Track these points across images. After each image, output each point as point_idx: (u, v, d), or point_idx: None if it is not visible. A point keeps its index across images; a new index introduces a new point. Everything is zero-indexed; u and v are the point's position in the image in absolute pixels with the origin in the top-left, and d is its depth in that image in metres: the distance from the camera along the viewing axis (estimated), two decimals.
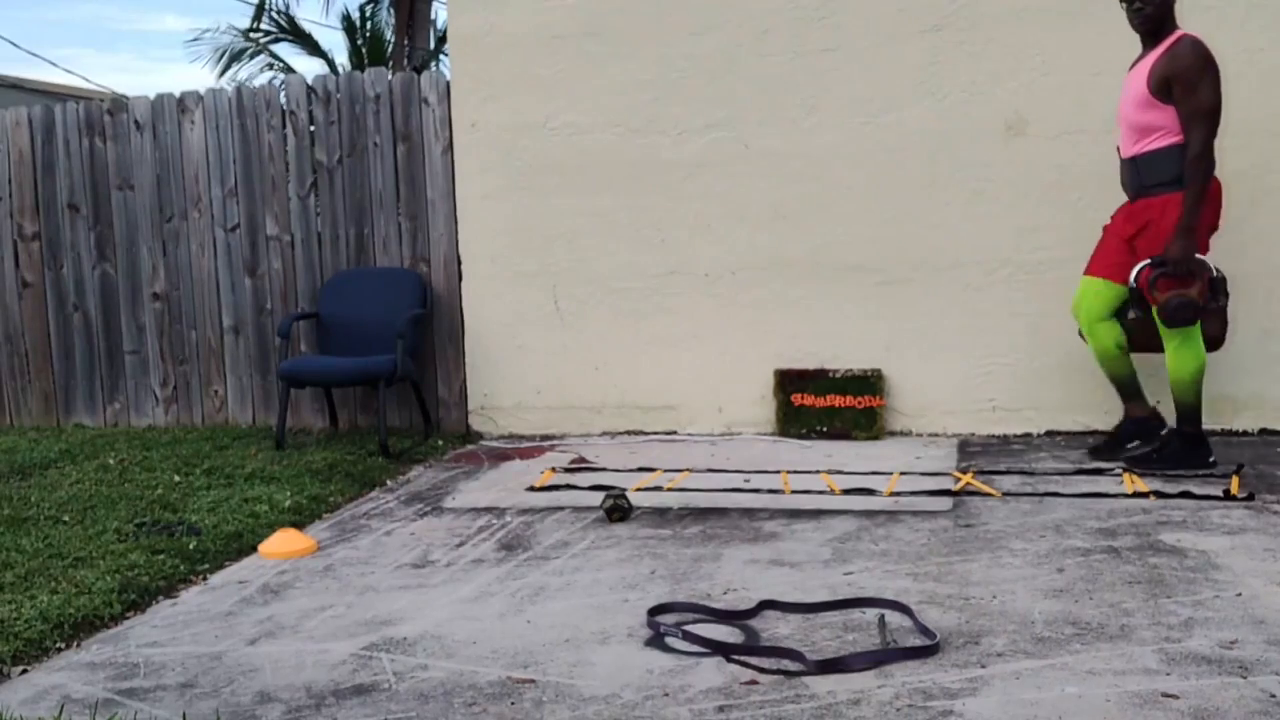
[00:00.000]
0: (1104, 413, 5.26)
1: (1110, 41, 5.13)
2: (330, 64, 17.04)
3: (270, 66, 17.10)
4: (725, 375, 5.64)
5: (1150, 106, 4.21)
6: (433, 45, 16.63)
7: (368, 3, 17.15)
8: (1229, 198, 5.08)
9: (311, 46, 17.39)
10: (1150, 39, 4.33)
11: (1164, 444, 4.46)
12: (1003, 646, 2.74)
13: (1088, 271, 4.56)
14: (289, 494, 4.55)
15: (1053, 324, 5.23)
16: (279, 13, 16.99)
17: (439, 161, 5.88)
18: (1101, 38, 5.13)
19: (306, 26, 17.73)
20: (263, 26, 16.96)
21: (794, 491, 4.36)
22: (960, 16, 5.25)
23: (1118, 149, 4.49)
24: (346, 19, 17.92)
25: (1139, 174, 4.31)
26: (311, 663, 2.85)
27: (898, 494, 4.27)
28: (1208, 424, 5.17)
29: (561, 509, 4.29)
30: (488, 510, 4.35)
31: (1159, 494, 4.09)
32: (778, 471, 4.73)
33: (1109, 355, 4.53)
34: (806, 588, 3.24)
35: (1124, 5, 4.34)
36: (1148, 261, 4.22)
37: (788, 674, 2.62)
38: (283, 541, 3.91)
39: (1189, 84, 4.11)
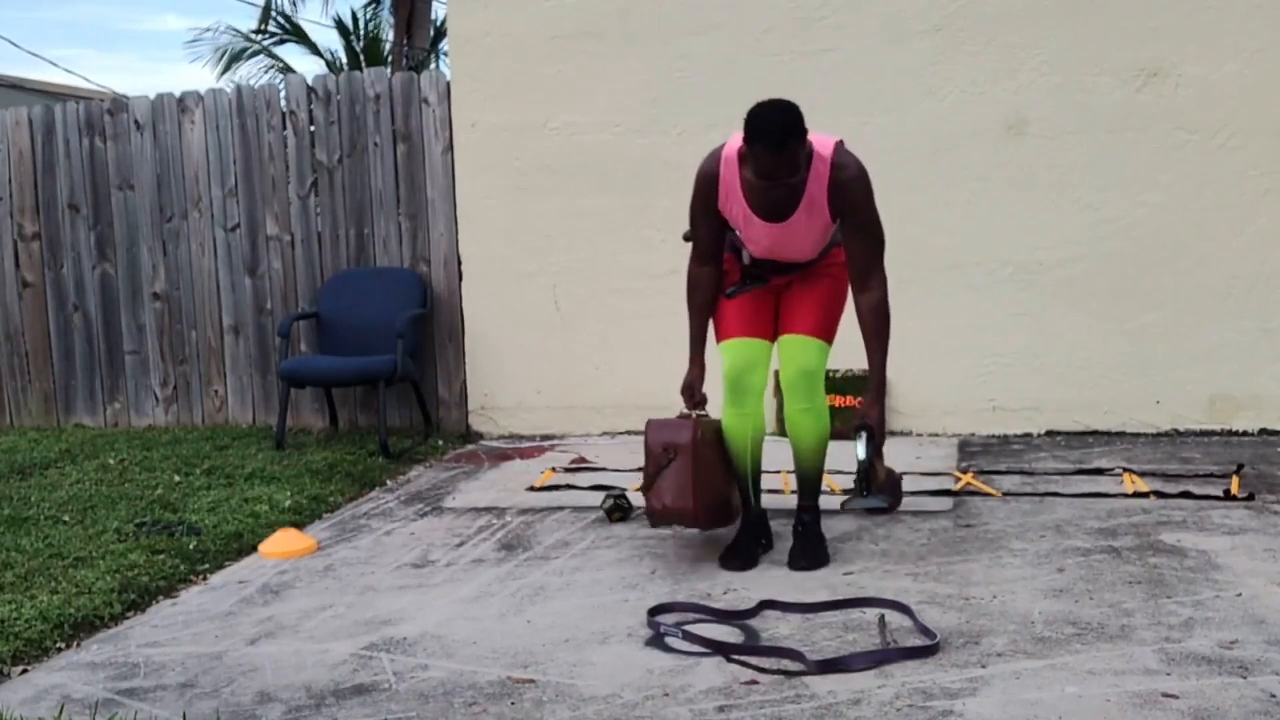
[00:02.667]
0: (1104, 413, 5.27)
1: (1110, 41, 5.14)
2: (330, 65, 17.04)
3: (270, 68, 17.10)
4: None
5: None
6: (430, 46, 16.63)
7: (369, 4, 17.16)
8: (1230, 198, 5.10)
9: (314, 48, 17.42)
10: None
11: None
12: (1003, 646, 2.74)
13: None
14: (289, 494, 4.55)
15: (1053, 324, 5.24)
16: (280, 14, 17.00)
17: (439, 161, 5.88)
18: (1102, 38, 5.13)
19: (306, 27, 17.75)
20: (268, 28, 16.98)
21: (794, 492, 4.36)
22: (960, 16, 5.25)
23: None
24: (339, 22, 17.92)
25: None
26: (312, 662, 2.85)
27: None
28: (1208, 424, 5.19)
29: (561, 509, 4.29)
30: (488, 510, 4.35)
31: (1159, 494, 4.09)
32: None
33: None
34: (806, 588, 3.24)
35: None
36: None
37: (788, 674, 2.62)
38: (283, 541, 3.91)
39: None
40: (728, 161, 3.38)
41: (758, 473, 3.60)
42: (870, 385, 3.42)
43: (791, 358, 3.53)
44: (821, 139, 3.36)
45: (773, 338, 3.62)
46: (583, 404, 5.82)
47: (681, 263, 5.68)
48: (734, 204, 3.39)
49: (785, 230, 3.36)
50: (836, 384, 5.40)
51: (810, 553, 3.46)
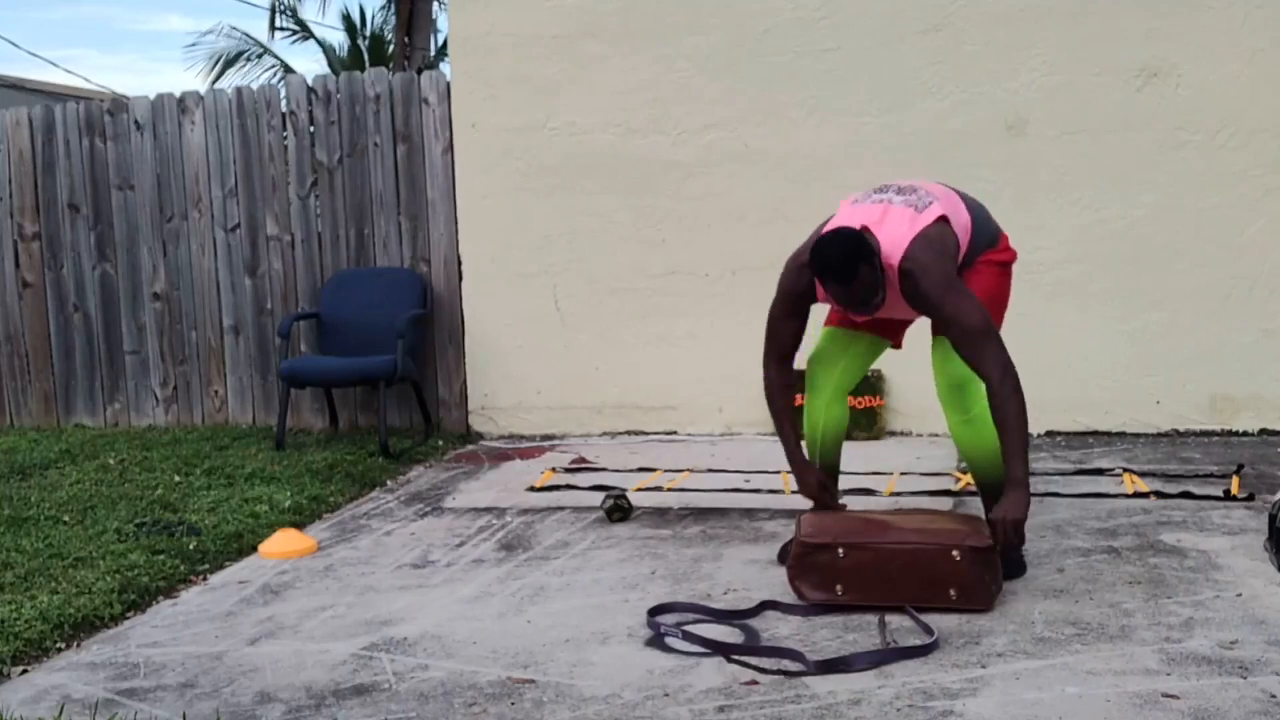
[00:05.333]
0: (1104, 413, 5.27)
1: (1110, 41, 5.14)
2: (333, 65, 17.05)
3: (271, 68, 17.11)
4: (725, 375, 5.64)
5: None
6: (434, 47, 16.64)
7: (384, 6, 17.24)
8: (1230, 198, 5.10)
9: (321, 45, 17.48)
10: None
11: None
12: (1003, 646, 2.74)
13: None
14: (289, 494, 4.55)
15: (1053, 324, 5.23)
16: (288, 12, 17.01)
17: (439, 161, 5.88)
18: (1101, 38, 5.13)
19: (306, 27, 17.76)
20: (280, 26, 17.05)
21: (794, 492, 4.35)
22: (960, 16, 5.25)
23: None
24: (347, 18, 17.94)
25: None
26: (312, 663, 2.85)
27: (898, 494, 4.27)
28: (1208, 424, 5.19)
29: (562, 509, 4.29)
30: (488, 510, 4.35)
31: (1159, 494, 4.09)
32: (778, 472, 4.72)
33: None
34: None
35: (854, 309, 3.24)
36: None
37: (788, 674, 2.62)
38: (283, 541, 3.91)
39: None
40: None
41: (830, 469, 3.56)
42: (1012, 477, 3.06)
43: (939, 368, 3.39)
44: (895, 242, 3.15)
45: (874, 330, 3.52)
46: (583, 404, 5.82)
47: (681, 263, 5.72)
48: (832, 300, 3.30)
49: (884, 313, 3.35)
50: None
51: (1011, 561, 3.22)
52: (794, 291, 3.34)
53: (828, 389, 3.54)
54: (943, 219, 3.25)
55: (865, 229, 3.19)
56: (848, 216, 3.27)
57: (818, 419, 3.56)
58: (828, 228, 3.26)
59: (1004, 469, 3.09)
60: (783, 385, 3.47)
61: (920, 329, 3.53)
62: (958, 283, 3.16)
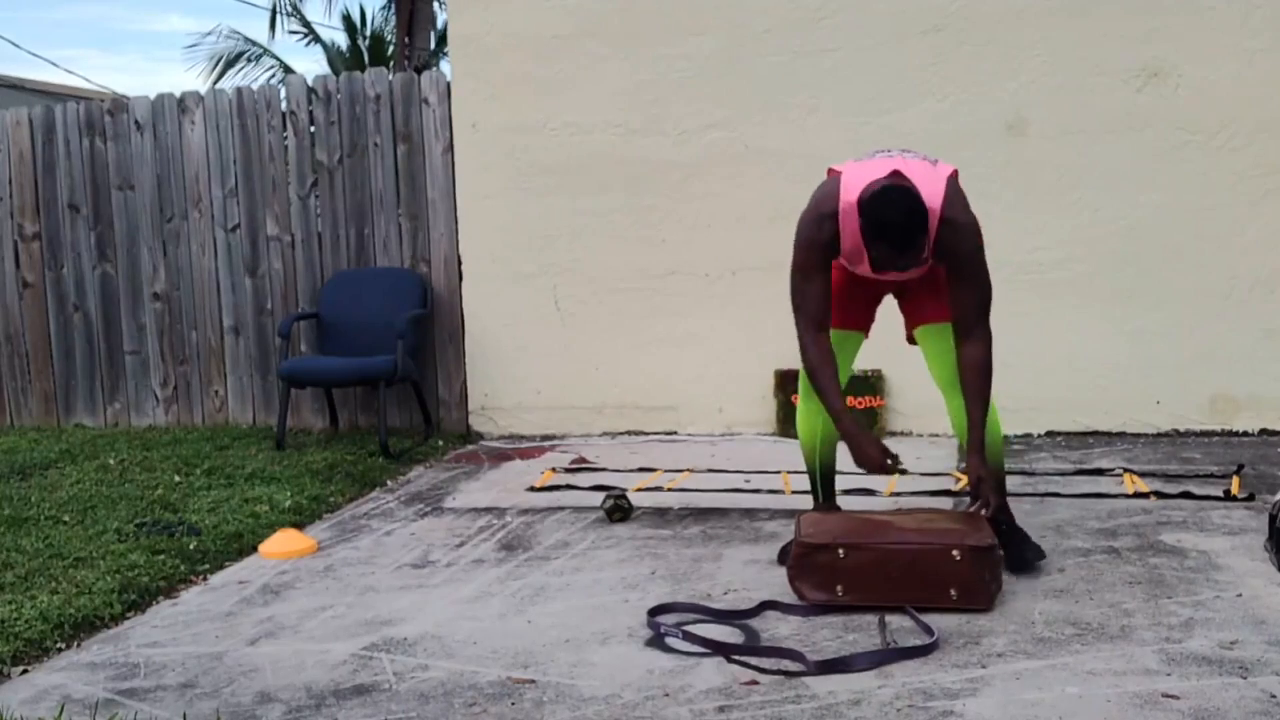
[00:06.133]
0: (1104, 413, 5.27)
1: (1110, 41, 5.14)
2: (333, 65, 17.06)
3: (271, 68, 17.12)
4: (725, 375, 5.64)
5: None
6: (433, 46, 16.65)
7: (383, 7, 17.28)
8: (1231, 198, 5.11)
9: (322, 43, 17.49)
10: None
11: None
12: (1003, 647, 2.74)
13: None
14: (289, 494, 4.55)
15: (1053, 324, 5.23)
16: (290, 12, 17.02)
17: (439, 161, 5.88)
18: (1101, 38, 5.13)
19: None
20: (291, 30, 17.10)
21: (794, 492, 4.36)
22: (960, 16, 5.25)
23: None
24: (347, 18, 17.97)
25: None
26: (312, 663, 2.85)
27: (898, 494, 4.27)
28: (1209, 424, 5.19)
29: (562, 509, 4.29)
30: (488, 510, 4.35)
31: (1159, 494, 4.09)
32: (778, 472, 4.73)
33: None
34: None
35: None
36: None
37: (788, 674, 2.62)
38: (283, 541, 3.91)
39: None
40: (848, 213, 3.06)
41: (828, 472, 3.54)
42: (971, 444, 3.17)
43: (940, 353, 3.29)
44: (931, 184, 3.04)
45: (866, 327, 3.45)
46: (583, 404, 5.82)
47: (681, 263, 5.72)
48: (856, 258, 3.13)
49: (901, 274, 3.17)
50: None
51: (1030, 547, 3.29)
52: (817, 242, 3.12)
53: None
54: (956, 172, 3.19)
55: (898, 174, 3.03)
56: (871, 170, 3.08)
57: (817, 424, 3.50)
58: (854, 183, 3.05)
59: (968, 433, 3.15)
60: (826, 354, 3.19)
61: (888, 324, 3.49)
62: (983, 245, 3.13)
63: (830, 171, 3.26)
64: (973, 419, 3.17)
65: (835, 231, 3.10)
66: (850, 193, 3.07)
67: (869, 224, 2.94)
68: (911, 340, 3.48)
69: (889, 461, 3.15)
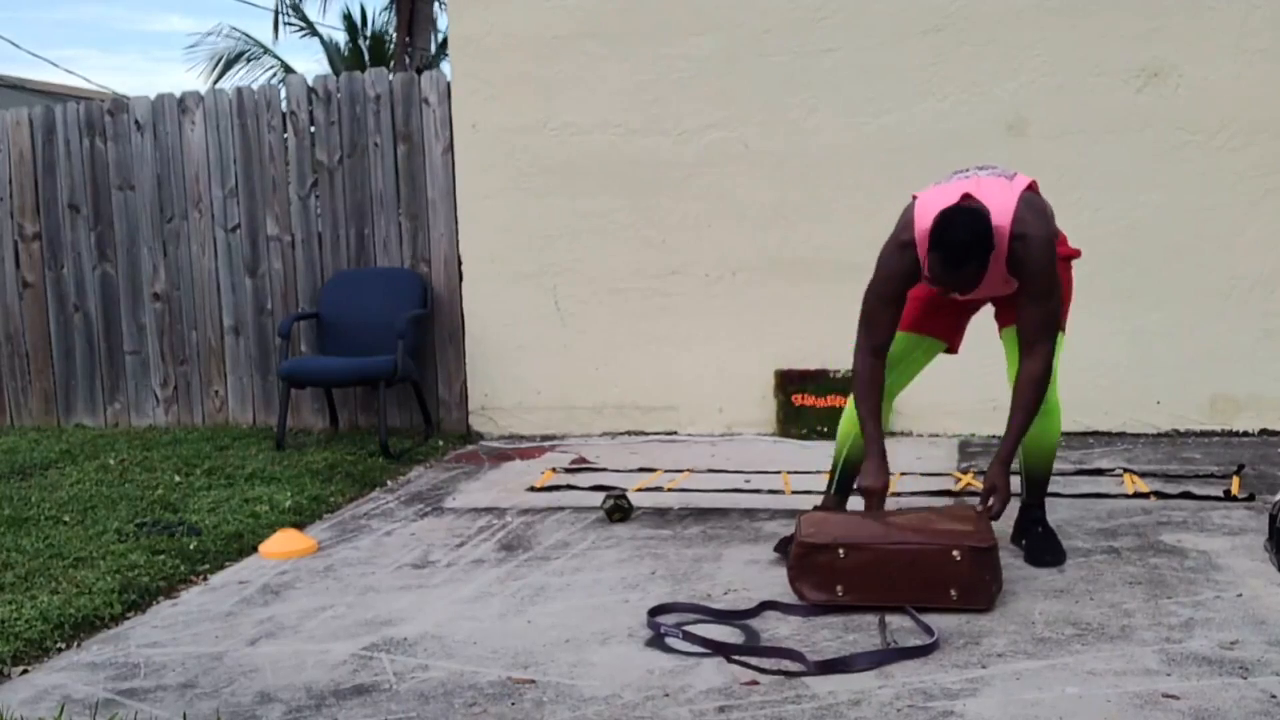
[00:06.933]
0: (1104, 413, 5.27)
1: (1110, 41, 5.14)
2: (334, 65, 17.06)
3: (271, 68, 17.12)
4: (725, 375, 5.64)
5: None
6: (434, 46, 16.66)
7: (385, 8, 17.29)
8: (1231, 198, 5.11)
9: (324, 42, 17.49)
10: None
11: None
12: (1003, 647, 2.74)
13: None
14: (289, 494, 4.55)
15: None
16: (291, 11, 17.02)
17: (439, 162, 5.88)
18: (1101, 38, 5.13)
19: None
20: (288, 22, 17.08)
21: (795, 492, 4.36)
22: (960, 16, 5.25)
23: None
24: (348, 18, 17.97)
25: None
26: (312, 663, 2.85)
27: (898, 494, 4.26)
28: (1209, 424, 5.19)
29: (562, 509, 4.29)
30: (488, 510, 4.35)
31: (1160, 494, 4.09)
32: (778, 472, 4.73)
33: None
34: None
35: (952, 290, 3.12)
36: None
37: (788, 674, 2.62)
38: (283, 541, 3.91)
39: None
40: (923, 241, 3.10)
41: (851, 470, 3.54)
42: (1000, 453, 3.18)
43: (1014, 357, 3.36)
44: (1003, 201, 3.08)
45: (943, 334, 3.47)
46: (583, 404, 5.82)
47: (681, 263, 5.72)
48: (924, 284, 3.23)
49: (977, 292, 3.24)
50: (837, 384, 5.41)
51: (1051, 548, 3.38)
52: (899, 273, 3.16)
53: (885, 393, 3.45)
54: (1035, 184, 3.22)
55: (968, 197, 3.08)
56: (944, 195, 3.12)
57: (853, 424, 3.48)
58: (928, 209, 3.09)
59: (1003, 442, 3.18)
60: (878, 380, 3.26)
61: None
62: (1056, 258, 3.16)
63: (914, 198, 3.30)
64: (1011, 428, 3.19)
65: (915, 259, 3.15)
66: (924, 219, 3.11)
67: (940, 250, 2.98)
68: (1002, 327, 3.52)
69: (874, 501, 3.22)
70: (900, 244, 3.17)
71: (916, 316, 3.43)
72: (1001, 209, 3.08)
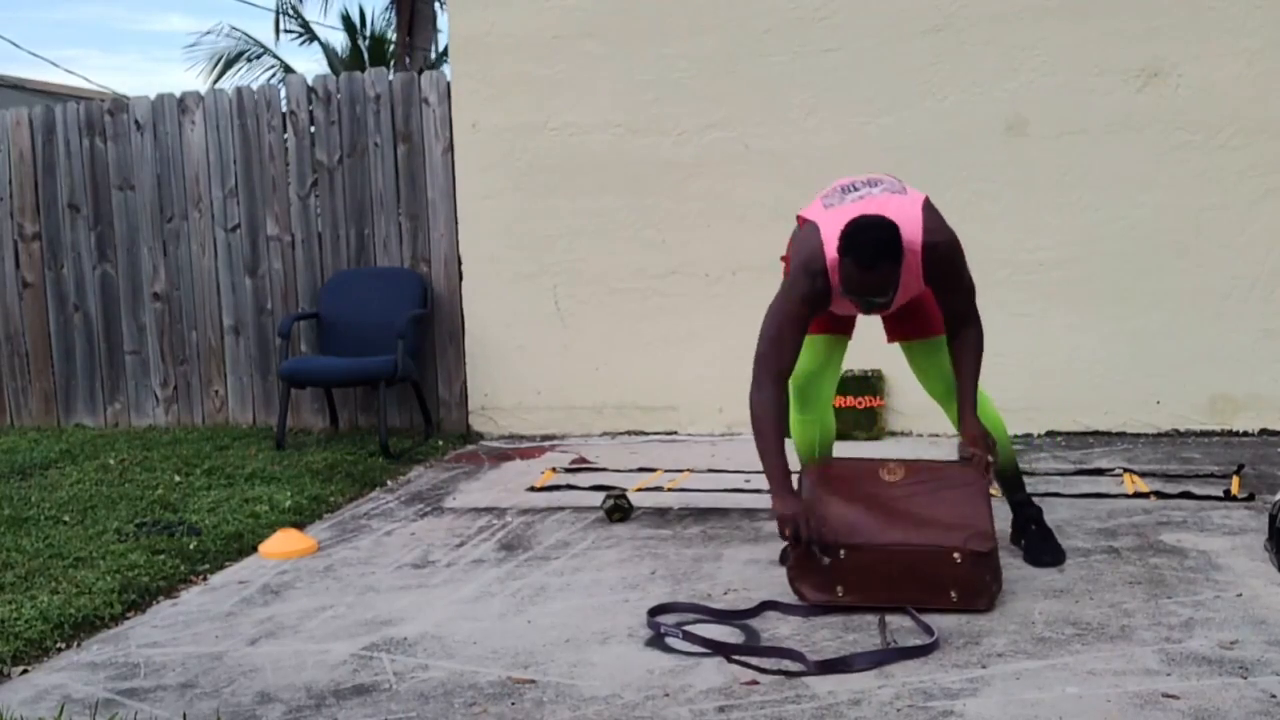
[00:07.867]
0: (1104, 413, 5.27)
1: (1110, 41, 5.14)
2: (334, 66, 17.06)
3: (271, 68, 17.12)
4: (725, 375, 5.63)
5: None
6: (434, 47, 16.65)
7: (386, 9, 17.28)
8: (1230, 198, 5.11)
9: (323, 44, 17.50)
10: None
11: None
12: (1003, 647, 2.74)
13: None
14: (289, 494, 4.55)
15: (1053, 324, 5.24)
16: (291, 12, 17.01)
17: (439, 162, 5.88)
18: (1101, 38, 5.13)
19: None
20: (287, 29, 17.09)
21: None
22: (960, 16, 5.25)
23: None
24: (347, 19, 17.97)
25: None
26: (312, 663, 2.85)
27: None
28: (1209, 424, 5.19)
29: (562, 509, 4.29)
30: (488, 510, 4.35)
31: (1159, 494, 4.09)
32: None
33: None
34: None
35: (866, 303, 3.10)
36: None
37: (788, 674, 2.62)
38: (283, 541, 3.91)
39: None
40: (834, 269, 3.08)
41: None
42: (965, 410, 3.22)
43: (935, 372, 3.37)
44: (909, 218, 3.09)
45: (850, 330, 3.46)
46: (583, 404, 5.82)
47: (681, 263, 5.72)
48: (850, 305, 3.19)
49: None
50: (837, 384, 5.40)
51: (1050, 548, 3.38)
52: (812, 295, 3.11)
53: (825, 400, 3.48)
54: (927, 198, 3.21)
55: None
56: (839, 216, 3.11)
57: (813, 434, 3.50)
58: (832, 235, 3.08)
59: (960, 402, 3.21)
60: (781, 407, 3.16)
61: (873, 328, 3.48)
62: (963, 254, 3.19)
63: (800, 219, 3.25)
64: (964, 390, 3.23)
65: (828, 286, 3.12)
66: (831, 246, 3.08)
67: (854, 259, 2.94)
68: (892, 340, 3.50)
69: (788, 533, 3.02)
70: (811, 273, 3.10)
71: (824, 321, 3.38)
72: (909, 222, 3.07)
